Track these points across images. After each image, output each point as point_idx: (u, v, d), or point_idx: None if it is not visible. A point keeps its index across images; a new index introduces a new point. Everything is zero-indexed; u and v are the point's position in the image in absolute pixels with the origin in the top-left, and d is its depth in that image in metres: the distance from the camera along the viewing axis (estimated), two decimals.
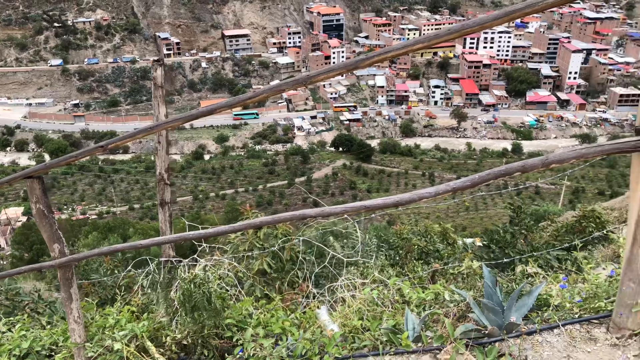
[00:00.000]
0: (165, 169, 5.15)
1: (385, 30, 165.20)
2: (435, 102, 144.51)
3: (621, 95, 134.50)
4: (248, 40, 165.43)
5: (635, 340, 2.58)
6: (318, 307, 3.87)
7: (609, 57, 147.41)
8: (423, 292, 3.73)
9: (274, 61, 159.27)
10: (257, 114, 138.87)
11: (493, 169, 2.67)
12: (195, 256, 4.63)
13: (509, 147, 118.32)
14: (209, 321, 3.56)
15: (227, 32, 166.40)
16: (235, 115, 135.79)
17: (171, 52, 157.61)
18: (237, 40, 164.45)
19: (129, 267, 5.47)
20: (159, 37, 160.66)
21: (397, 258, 10.74)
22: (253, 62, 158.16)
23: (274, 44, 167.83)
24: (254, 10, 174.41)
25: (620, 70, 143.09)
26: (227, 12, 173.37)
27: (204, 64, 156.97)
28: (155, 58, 5.08)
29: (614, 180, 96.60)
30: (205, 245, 4.99)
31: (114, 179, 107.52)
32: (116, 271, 6.29)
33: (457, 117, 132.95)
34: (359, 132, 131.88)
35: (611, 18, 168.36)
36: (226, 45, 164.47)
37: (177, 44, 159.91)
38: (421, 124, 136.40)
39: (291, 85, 3.00)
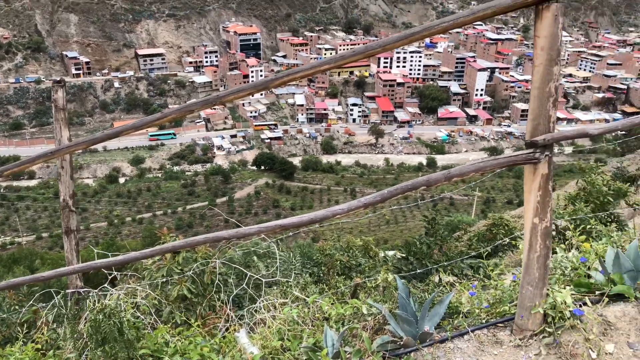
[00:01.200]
0: (70, 194, 4.87)
1: (302, 50, 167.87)
2: (354, 120, 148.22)
3: (523, 110, 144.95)
4: (163, 59, 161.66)
5: (535, 340, 2.75)
6: (238, 331, 3.79)
7: (510, 75, 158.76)
8: (342, 308, 3.77)
9: (190, 80, 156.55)
10: (174, 134, 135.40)
11: (401, 184, 2.78)
12: (106, 285, 4.39)
13: (424, 162, 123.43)
14: (122, 353, 3.38)
15: (141, 51, 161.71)
16: (151, 135, 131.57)
17: (80, 71, 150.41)
18: (151, 60, 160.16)
19: (32, 302, 5.08)
20: (67, 56, 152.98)
21: (321, 275, 10.82)
22: (169, 81, 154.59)
23: (190, 63, 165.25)
24: (168, 30, 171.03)
25: (520, 87, 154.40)
26: (140, 31, 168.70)
27: (116, 84, 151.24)
28: (57, 79, 4.81)
29: (520, 189, 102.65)
30: (117, 273, 4.75)
31: (19, 207, 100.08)
32: (18, 307, 5.84)
33: (374, 133, 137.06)
34: (280, 150, 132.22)
35: (510, 39, 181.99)
36: (140, 65, 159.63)
37: (87, 63, 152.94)
38: (341, 141, 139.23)
39: (200, 106, 2.96)
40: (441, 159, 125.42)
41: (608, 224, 9.30)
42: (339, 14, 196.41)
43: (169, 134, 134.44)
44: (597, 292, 2.93)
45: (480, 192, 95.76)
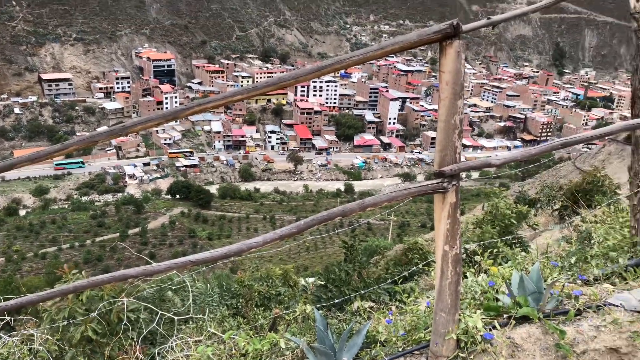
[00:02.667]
0: None
1: (218, 77, 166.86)
2: (272, 147, 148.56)
3: (432, 138, 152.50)
4: (70, 84, 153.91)
5: None
6: None
7: (420, 105, 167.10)
8: (260, 343, 3.65)
9: (100, 106, 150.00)
10: (83, 163, 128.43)
11: (317, 215, 2.76)
12: None
13: (342, 187, 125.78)
14: None
15: (45, 76, 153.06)
16: (56, 164, 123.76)
17: None
18: (57, 85, 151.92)
19: None
20: None
21: (239, 307, 10.52)
22: (77, 107, 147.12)
23: (101, 89, 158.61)
24: (76, 54, 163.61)
25: (430, 116, 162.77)
26: (45, 55, 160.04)
27: (17, 110, 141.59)
28: None
29: (433, 214, 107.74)
30: (9, 318, 4.31)
31: None
32: None
33: (293, 160, 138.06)
34: (196, 178, 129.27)
35: (419, 71, 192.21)
36: (44, 90, 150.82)
37: None
38: (260, 168, 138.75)
39: (105, 136, 2.80)
40: (358, 185, 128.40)
41: (513, 245, 9.88)
42: (256, 43, 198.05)
43: (77, 162, 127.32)
44: (504, 315, 3.05)
45: (396, 216, 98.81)
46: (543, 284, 3.11)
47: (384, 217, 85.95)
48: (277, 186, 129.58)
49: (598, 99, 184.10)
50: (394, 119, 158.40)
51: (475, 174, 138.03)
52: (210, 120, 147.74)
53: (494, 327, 2.96)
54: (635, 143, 3.91)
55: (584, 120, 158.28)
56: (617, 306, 2.90)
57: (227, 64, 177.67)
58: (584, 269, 3.78)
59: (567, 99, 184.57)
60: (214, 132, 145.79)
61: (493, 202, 11.76)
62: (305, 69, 2.63)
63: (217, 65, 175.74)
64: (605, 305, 2.94)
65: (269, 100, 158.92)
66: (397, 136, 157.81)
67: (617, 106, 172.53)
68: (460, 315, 2.89)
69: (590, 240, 5.05)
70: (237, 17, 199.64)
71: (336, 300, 7.31)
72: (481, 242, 8.98)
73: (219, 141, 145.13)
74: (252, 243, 2.75)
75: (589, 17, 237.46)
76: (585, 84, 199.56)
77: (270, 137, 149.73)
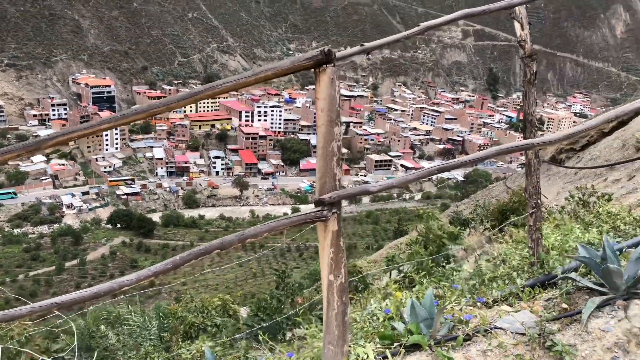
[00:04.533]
0: None
1: None
2: (217, 173, 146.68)
3: (377, 161, 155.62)
4: (1, 111, 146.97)
5: None
6: None
7: (364, 129, 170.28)
8: None
9: (34, 134, 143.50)
10: (15, 193, 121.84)
11: (194, 249, 2.64)
12: None
13: (289, 212, 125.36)
14: None
15: None
16: None
17: None
18: None
19: None
20: None
21: (166, 340, 10.05)
22: (8, 135, 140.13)
23: (35, 116, 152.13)
24: (8, 80, 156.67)
25: (373, 140, 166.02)
26: None
27: None
28: None
29: (379, 234, 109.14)
30: None
31: None
32: None
33: (239, 186, 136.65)
34: (138, 206, 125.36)
35: (362, 96, 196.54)
36: None
37: None
38: (204, 194, 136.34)
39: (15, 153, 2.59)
40: (305, 209, 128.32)
41: (444, 266, 10.00)
42: (198, 69, 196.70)
43: (8, 193, 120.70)
44: (395, 344, 2.99)
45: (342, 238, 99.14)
46: (435, 310, 3.09)
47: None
48: (222, 212, 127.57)
49: None
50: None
51: (418, 195, 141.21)
52: (153, 147, 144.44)
53: (385, 357, 2.90)
54: (527, 166, 4.02)
55: (517, 141, 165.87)
56: (504, 329, 2.91)
57: (169, 90, 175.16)
58: (483, 292, 3.81)
59: (501, 122, 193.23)
60: (157, 158, 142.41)
61: (426, 223, 11.96)
62: (177, 96, 2.54)
63: (158, 91, 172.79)
64: (492, 329, 2.94)
65: (213, 126, 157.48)
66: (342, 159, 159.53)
67: (547, 127, 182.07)
68: (350, 346, 2.81)
69: (504, 260, 5.16)
70: (178, 43, 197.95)
71: (255, 329, 7.10)
72: (416, 261, 9.05)
73: (162, 168, 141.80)
74: (124, 281, 2.58)
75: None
76: (518, 107, 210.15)
77: (214, 162, 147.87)
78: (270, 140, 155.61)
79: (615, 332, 2.71)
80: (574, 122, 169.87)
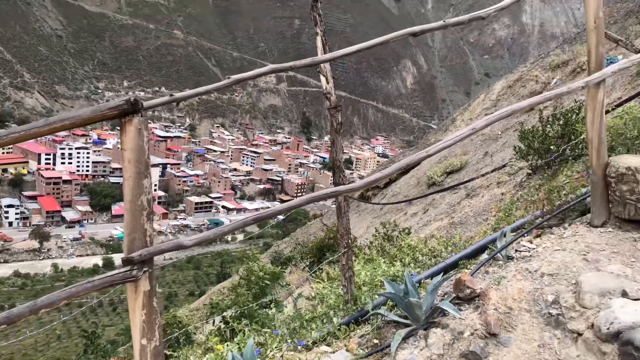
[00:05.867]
0: None
1: None
2: (10, 224, 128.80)
3: (197, 204, 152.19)
4: None
5: None
6: None
7: (182, 170, 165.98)
8: None
9: None
10: None
11: None
12: None
13: (101, 263, 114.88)
14: None
15: None
16: None
17: None
18: None
19: None
20: None
21: None
22: None
23: None
24: None
25: (192, 181, 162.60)
26: None
27: None
28: None
29: (201, 280, 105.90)
30: None
31: None
32: None
33: (38, 237, 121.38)
34: None
35: (179, 137, 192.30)
36: None
37: None
38: None
39: None
40: (118, 260, 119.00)
41: (268, 308, 10.02)
42: None
43: None
44: None
45: (162, 287, 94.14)
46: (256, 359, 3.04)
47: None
48: (17, 268, 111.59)
49: None
50: (155, 185, 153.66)
51: (240, 236, 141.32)
52: None
53: None
54: (337, 208, 4.28)
55: (330, 180, 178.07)
56: None
57: None
58: (303, 334, 3.88)
59: (316, 162, 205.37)
60: None
61: (247, 265, 11.94)
62: None
63: None
64: None
65: (4, 171, 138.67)
66: (159, 203, 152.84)
67: (355, 167, 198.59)
68: None
69: (322, 299, 5.34)
70: None
71: None
72: (239, 308, 8.89)
73: None
74: None
75: None
76: (330, 149, 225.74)
77: (7, 212, 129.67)
78: (76, 184, 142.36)
79: None
80: (377, 161, 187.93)
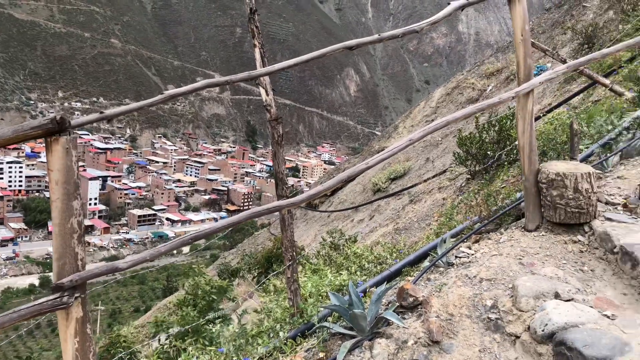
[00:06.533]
0: None
1: None
2: None
3: (140, 216, 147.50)
4: None
5: None
6: None
7: (123, 183, 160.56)
8: None
9: None
10: None
11: None
12: None
13: (37, 282, 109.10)
14: None
15: None
16: None
17: None
18: None
19: None
20: None
21: None
22: None
23: None
24: None
25: (135, 194, 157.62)
26: None
27: None
28: None
29: (147, 295, 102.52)
30: None
31: None
32: None
33: None
34: None
35: (119, 148, 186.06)
36: None
37: None
38: None
39: None
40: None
41: (213, 322, 9.82)
42: None
43: None
44: None
45: (105, 305, 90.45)
46: None
47: (95, 308, 77.49)
48: None
49: (288, 169, 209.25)
50: (95, 199, 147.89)
51: (186, 249, 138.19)
52: None
53: None
54: (281, 221, 4.25)
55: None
56: None
57: None
58: (249, 351, 3.81)
59: (262, 171, 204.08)
60: None
61: (193, 279, 11.65)
62: None
63: None
64: None
65: None
66: (100, 217, 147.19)
67: (302, 174, 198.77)
68: None
69: (268, 314, 5.27)
70: None
71: None
72: (182, 325, 8.65)
73: None
74: None
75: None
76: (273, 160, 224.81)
77: None
78: (8, 200, 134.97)
79: None
80: (324, 169, 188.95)
